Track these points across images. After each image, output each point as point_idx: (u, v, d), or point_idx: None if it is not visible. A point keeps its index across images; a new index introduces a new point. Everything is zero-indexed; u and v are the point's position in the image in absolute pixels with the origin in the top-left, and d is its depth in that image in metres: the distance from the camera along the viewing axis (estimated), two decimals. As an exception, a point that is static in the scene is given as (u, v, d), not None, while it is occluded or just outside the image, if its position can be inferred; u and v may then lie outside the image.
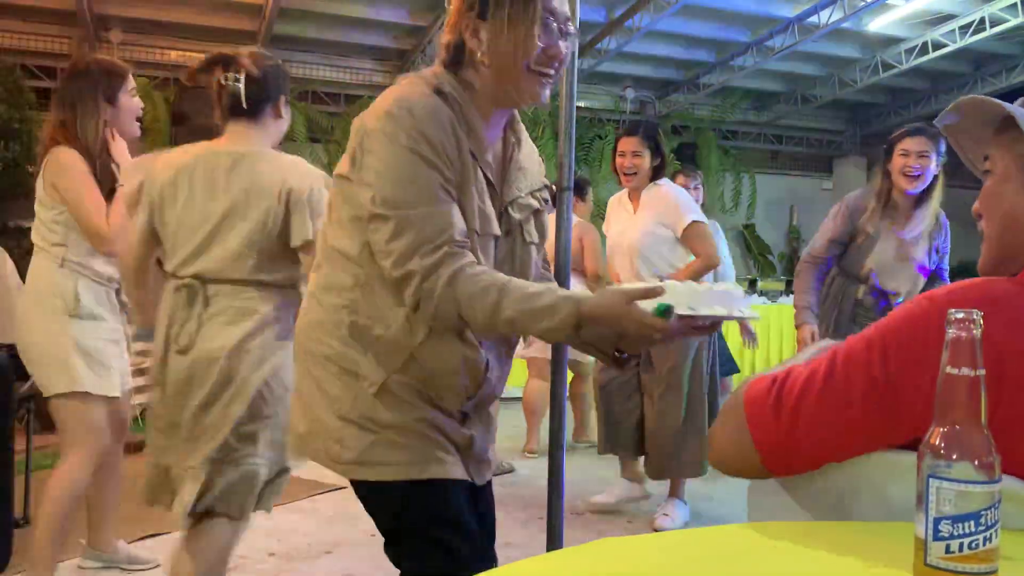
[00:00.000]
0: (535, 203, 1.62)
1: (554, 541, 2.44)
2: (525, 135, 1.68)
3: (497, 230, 1.52)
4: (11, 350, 2.86)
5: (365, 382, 1.48)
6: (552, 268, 2.05)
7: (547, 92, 1.51)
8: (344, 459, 1.50)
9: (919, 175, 3.24)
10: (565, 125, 2.37)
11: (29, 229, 2.66)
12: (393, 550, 1.60)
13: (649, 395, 3.61)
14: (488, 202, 1.51)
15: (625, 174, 3.61)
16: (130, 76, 2.67)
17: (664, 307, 1.32)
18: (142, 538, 3.25)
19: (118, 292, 2.66)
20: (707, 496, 4.17)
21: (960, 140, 1.19)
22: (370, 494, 1.56)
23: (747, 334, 4.72)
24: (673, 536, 0.97)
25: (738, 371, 4.67)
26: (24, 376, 2.78)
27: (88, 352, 2.54)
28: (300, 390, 1.58)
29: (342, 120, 8.63)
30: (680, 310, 1.34)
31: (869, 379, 0.98)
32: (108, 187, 2.56)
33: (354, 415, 1.49)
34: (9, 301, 3.30)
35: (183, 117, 5.79)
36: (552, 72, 1.50)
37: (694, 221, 3.51)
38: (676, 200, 3.57)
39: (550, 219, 1.75)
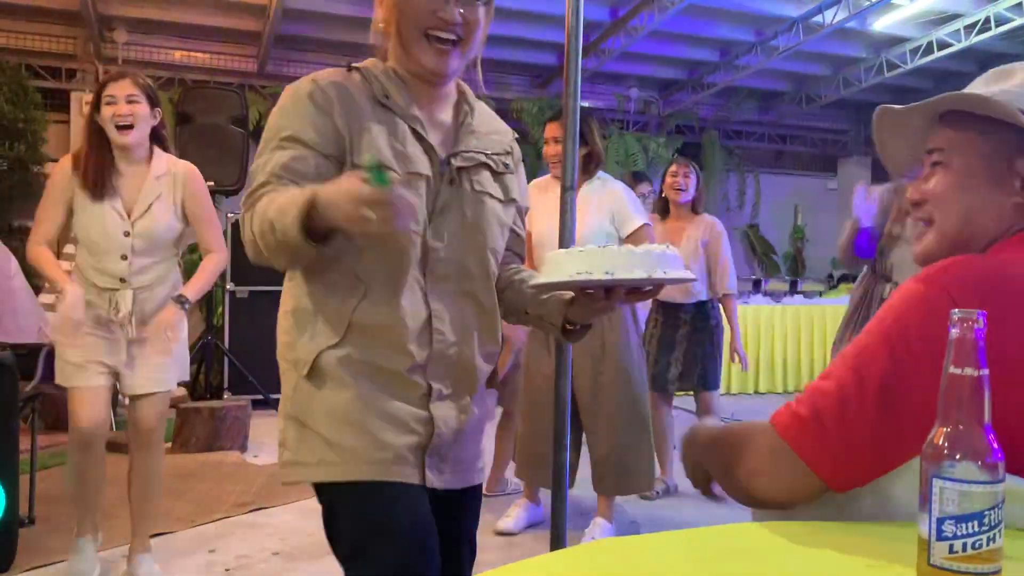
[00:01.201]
0: (482, 158, 1.50)
1: (558, 541, 2.43)
2: (483, 107, 1.60)
3: (424, 169, 1.40)
4: (16, 349, 2.88)
5: (302, 367, 1.37)
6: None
7: (452, 62, 1.42)
8: (283, 459, 1.40)
9: None
10: (569, 125, 2.37)
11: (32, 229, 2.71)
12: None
13: (592, 416, 3.46)
14: (411, 147, 1.40)
15: (554, 163, 3.52)
16: (110, 84, 2.70)
17: (375, 163, 1.14)
18: (146, 537, 3.25)
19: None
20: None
21: (896, 131, 1.20)
22: (318, 497, 1.41)
23: (738, 354, 4.58)
24: (675, 536, 0.97)
25: (718, 388, 4.54)
26: (29, 375, 2.79)
27: (63, 357, 2.72)
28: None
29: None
30: (596, 275, 1.25)
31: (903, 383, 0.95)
32: (103, 192, 2.66)
33: (293, 410, 1.39)
34: (14, 301, 3.31)
35: (188, 117, 5.79)
36: (451, 38, 1.39)
37: (643, 224, 3.48)
38: (628, 200, 3.54)
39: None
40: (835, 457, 0.97)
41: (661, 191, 4.44)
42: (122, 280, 2.70)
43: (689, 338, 4.29)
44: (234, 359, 5.94)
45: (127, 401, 2.85)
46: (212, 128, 5.77)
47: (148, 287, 2.74)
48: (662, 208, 4.42)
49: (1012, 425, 0.90)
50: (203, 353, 5.92)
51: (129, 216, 2.68)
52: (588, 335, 1.55)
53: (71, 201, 2.69)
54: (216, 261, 2.86)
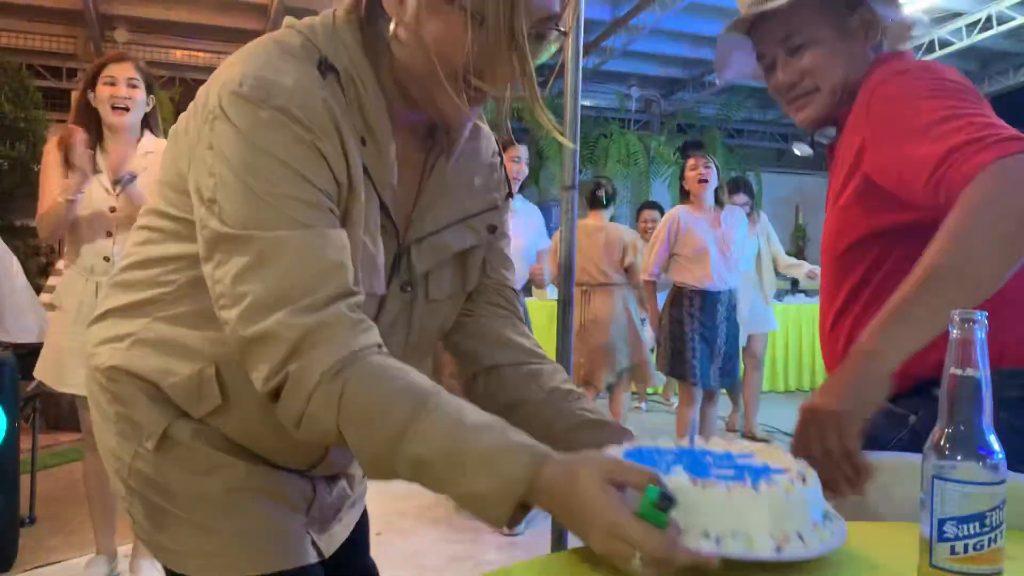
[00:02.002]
0: (456, 243, 1.07)
1: (559, 541, 2.43)
2: (475, 131, 1.12)
3: (382, 287, 0.99)
4: (17, 349, 2.87)
5: (142, 433, 1.01)
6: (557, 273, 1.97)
7: (474, 114, 1.03)
8: (141, 530, 1.05)
9: None
10: (570, 124, 2.37)
11: (35, 228, 2.69)
12: None
13: None
14: (379, 244, 0.98)
15: (515, 178, 3.66)
16: (111, 64, 2.64)
17: (656, 496, 0.74)
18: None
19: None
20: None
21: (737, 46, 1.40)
22: None
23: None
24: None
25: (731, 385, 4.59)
26: (30, 375, 2.79)
27: (50, 348, 2.64)
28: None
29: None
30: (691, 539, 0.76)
31: None
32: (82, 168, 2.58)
33: (134, 480, 1.02)
34: (15, 300, 3.31)
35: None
36: (488, 95, 0.97)
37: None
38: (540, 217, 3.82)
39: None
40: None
41: (682, 186, 4.41)
42: (106, 259, 2.61)
43: (728, 335, 4.25)
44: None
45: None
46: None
47: None
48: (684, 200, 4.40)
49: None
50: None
51: (115, 190, 2.63)
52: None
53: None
54: None
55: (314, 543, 1.07)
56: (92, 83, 2.63)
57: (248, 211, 0.85)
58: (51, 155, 2.66)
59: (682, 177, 4.40)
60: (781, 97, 1.40)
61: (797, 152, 1.50)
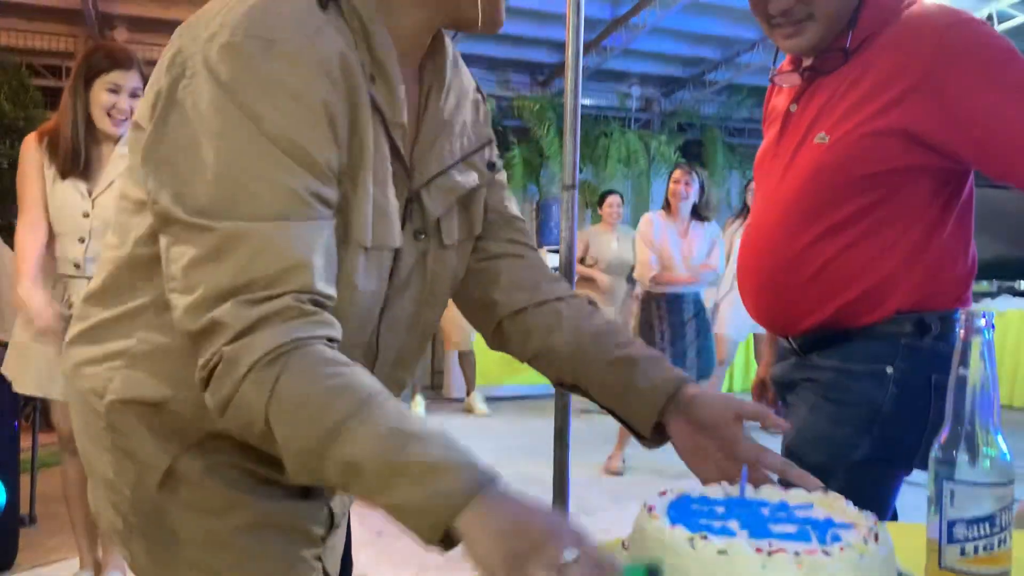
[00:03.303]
0: (465, 182, 1.01)
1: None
2: (452, 56, 1.02)
3: (396, 239, 0.92)
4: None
5: (144, 468, 0.91)
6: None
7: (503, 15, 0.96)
8: (140, 570, 0.96)
9: None
10: (570, 123, 2.36)
11: None
12: None
13: None
14: (391, 194, 0.91)
15: None
16: (117, 71, 2.50)
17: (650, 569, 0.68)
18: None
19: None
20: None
21: None
22: None
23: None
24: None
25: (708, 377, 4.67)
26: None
27: (34, 355, 2.53)
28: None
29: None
30: None
31: None
32: (74, 170, 2.49)
33: (135, 516, 0.93)
34: (11, 299, 3.30)
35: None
36: None
37: None
38: None
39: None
40: None
41: (666, 193, 4.65)
42: (76, 265, 2.52)
43: (697, 329, 4.45)
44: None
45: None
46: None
47: None
48: (667, 205, 4.62)
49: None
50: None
51: (90, 195, 2.51)
52: None
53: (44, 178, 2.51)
54: None
55: (325, 572, 1.00)
56: (89, 80, 2.50)
57: (214, 194, 0.77)
58: (29, 151, 2.53)
59: (668, 180, 4.67)
60: (767, 22, 1.39)
61: (782, 84, 1.47)
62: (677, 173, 4.58)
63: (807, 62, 1.40)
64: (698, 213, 4.57)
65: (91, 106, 2.50)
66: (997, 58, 1.18)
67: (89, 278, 2.46)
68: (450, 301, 1.10)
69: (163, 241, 0.82)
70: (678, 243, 4.48)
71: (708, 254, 4.53)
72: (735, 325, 5.24)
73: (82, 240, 2.51)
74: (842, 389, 1.29)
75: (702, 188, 4.57)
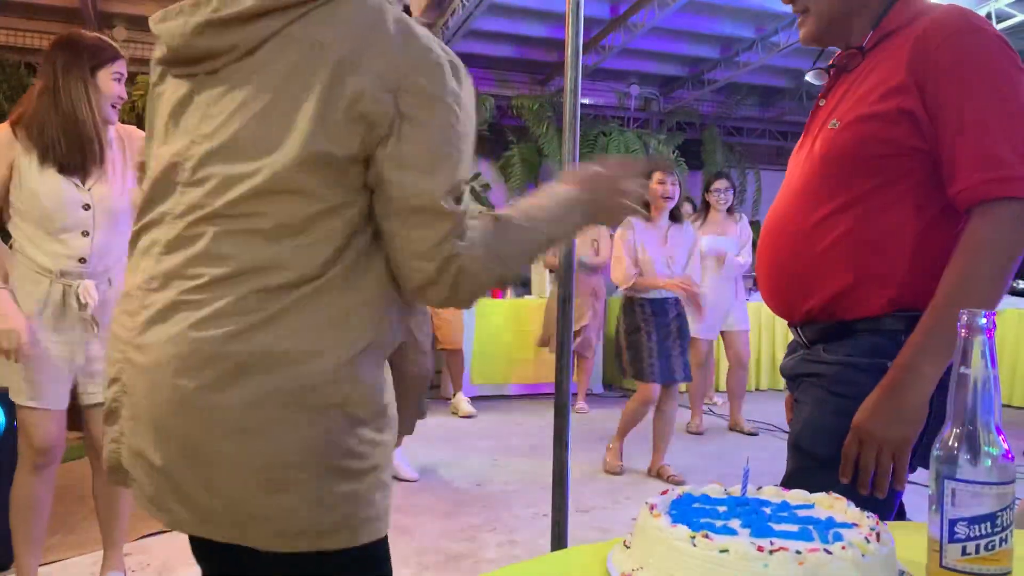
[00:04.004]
0: None
1: (559, 539, 2.42)
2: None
3: None
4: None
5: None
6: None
7: None
8: (297, 518, 1.06)
9: None
10: (569, 122, 2.36)
11: None
12: None
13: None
14: None
15: None
16: (119, 62, 2.46)
17: None
18: (141, 537, 3.25)
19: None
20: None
21: None
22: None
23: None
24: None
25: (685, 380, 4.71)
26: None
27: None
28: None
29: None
30: None
31: None
32: (83, 162, 2.38)
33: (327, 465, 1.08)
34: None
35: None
36: None
37: None
38: None
39: None
40: None
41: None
42: (82, 260, 2.40)
43: (680, 331, 4.51)
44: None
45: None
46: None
47: (107, 271, 2.45)
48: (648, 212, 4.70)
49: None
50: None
51: (84, 185, 2.40)
52: None
53: (11, 167, 2.34)
54: None
55: None
56: (95, 68, 2.40)
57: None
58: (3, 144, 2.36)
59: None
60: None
61: (813, 80, 1.52)
62: (659, 175, 4.56)
63: (838, 60, 1.48)
64: (675, 216, 4.63)
65: (100, 96, 2.42)
66: (985, 78, 1.22)
67: (103, 272, 2.42)
68: None
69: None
70: (659, 249, 4.53)
71: (688, 259, 4.60)
72: (706, 325, 5.29)
73: (86, 234, 2.39)
74: (846, 383, 1.30)
75: (680, 190, 4.63)
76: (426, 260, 1.04)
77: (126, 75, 2.52)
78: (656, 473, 4.48)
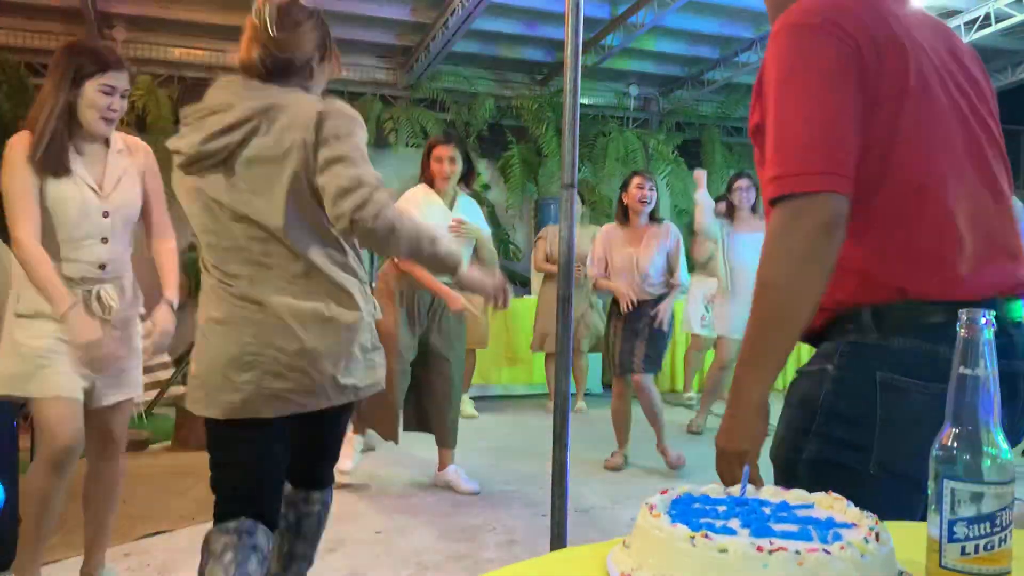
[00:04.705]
0: None
1: (559, 539, 2.43)
2: None
3: None
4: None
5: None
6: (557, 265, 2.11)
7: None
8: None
9: None
10: (569, 122, 2.36)
11: None
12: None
13: (439, 370, 4.11)
14: None
15: (446, 178, 4.13)
16: (110, 74, 2.42)
17: None
18: (141, 537, 3.25)
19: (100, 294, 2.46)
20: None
21: None
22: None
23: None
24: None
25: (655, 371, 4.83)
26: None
27: (23, 352, 2.39)
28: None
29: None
30: None
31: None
32: (57, 169, 2.38)
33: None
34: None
35: (187, 114, 5.79)
36: None
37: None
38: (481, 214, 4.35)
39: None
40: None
41: (621, 199, 4.81)
42: (101, 267, 2.45)
43: (650, 328, 4.64)
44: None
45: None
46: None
47: (119, 278, 2.51)
48: (622, 215, 4.82)
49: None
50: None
51: (103, 192, 2.45)
52: None
53: (38, 182, 2.38)
54: (175, 250, 2.67)
55: None
56: (78, 80, 2.41)
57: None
58: (20, 153, 2.41)
59: (623, 187, 4.81)
60: None
61: None
62: (638, 180, 4.71)
63: None
64: (654, 217, 4.76)
65: (80, 107, 2.42)
66: (782, 77, 1.23)
67: (116, 279, 2.48)
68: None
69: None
70: (624, 250, 4.68)
71: (665, 262, 4.70)
72: (733, 324, 5.24)
73: (105, 240, 2.45)
74: (792, 390, 1.30)
75: (657, 194, 4.79)
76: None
77: (123, 88, 2.47)
78: (660, 451, 4.68)
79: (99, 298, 2.44)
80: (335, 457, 2.27)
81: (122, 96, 2.48)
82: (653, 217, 4.76)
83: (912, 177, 1.20)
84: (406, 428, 4.24)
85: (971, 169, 1.25)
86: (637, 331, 4.62)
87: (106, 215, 2.46)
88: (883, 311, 1.21)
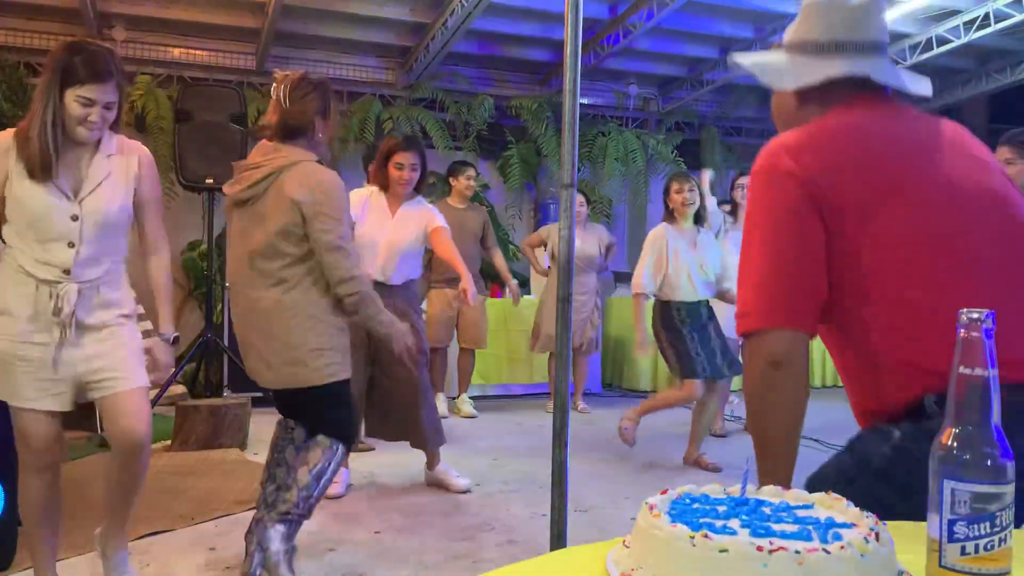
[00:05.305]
0: None
1: (558, 539, 2.43)
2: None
3: None
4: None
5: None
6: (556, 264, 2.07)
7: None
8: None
9: None
10: (568, 122, 2.36)
11: None
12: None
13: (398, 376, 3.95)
14: None
15: (405, 184, 4.13)
16: (88, 87, 2.33)
17: None
18: (141, 537, 3.25)
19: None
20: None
21: None
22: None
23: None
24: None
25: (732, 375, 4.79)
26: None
27: None
28: None
29: (345, 117, 8.63)
30: None
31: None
32: (43, 175, 2.33)
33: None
34: None
35: (186, 115, 5.79)
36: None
37: (442, 226, 4.17)
38: (436, 211, 4.28)
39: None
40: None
41: (665, 203, 4.74)
42: (66, 272, 2.36)
43: (717, 331, 4.62)
44: (234, 356, 5.93)
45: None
46: (211, 126, 5.77)
47: (92, 283, 2.41)
48: (669, 218, 4.72)
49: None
50: (203, 350, 5.91)
51: (76, 196, 2.37)
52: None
53: (7, 173, 2.35)
54: (168, 267, 2.65)
55: None
56: (63, 86, 2.34)
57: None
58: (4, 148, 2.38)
59: (666, 191, 4.75)
60: None
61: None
62: (678, 184, 4.65)
63: None
64: (699, 219, 4.69)
65: (64, 112, 2.35)
66: (748, 221, 1.38)
67: (83, 283, 2.37)
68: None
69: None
70: (690, 254, 4.58)
71: (719, 261, 4.66)
72: (728, 324, 5.26)
73: (71, 245, 2.37)
74: (856, 438, 1.39)
75: (700, 194, 4.69)
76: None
77: (105, 100, 2.36)
78: (694, 462, 4.63)
79: (53, 298, 2.36)
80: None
81: (107, 107, 2.37)
82: (699, 221, 4.71)
83: (924, 274, 1.27)
84: (377, 436, 4.26)
85: (994, 255, 1.29)
86: (709, 333, 4.58)
87: (75, 219, 2.37)
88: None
